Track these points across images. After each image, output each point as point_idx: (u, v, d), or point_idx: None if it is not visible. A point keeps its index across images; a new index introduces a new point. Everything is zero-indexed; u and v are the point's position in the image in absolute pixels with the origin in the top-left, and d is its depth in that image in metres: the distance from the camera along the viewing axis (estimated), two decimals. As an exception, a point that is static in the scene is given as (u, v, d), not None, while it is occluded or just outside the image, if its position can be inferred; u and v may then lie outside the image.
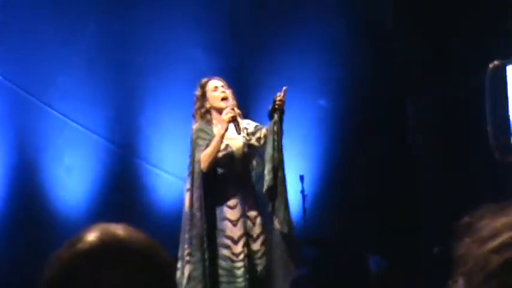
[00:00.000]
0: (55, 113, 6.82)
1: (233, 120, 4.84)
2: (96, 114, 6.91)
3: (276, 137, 4.83)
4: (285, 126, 4.91)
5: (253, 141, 4.96)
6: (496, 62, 5.18)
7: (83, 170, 6.81)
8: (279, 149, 4.84)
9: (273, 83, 7.12)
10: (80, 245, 1.15)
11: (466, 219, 1.18)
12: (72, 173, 6.77)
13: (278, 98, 4.82)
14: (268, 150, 4.85)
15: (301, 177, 6.31)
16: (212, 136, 4.88)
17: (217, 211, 4.87)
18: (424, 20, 6.89)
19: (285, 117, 4.91)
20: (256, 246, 4.88)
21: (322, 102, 6.77)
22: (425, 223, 7.06)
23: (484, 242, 1.12)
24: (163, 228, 6.49)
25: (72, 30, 6.84)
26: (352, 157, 7.23)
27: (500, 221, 1.15)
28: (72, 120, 6.85)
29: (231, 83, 5.10)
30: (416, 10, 6.95)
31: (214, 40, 7.13)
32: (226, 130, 4.82)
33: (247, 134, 4.98)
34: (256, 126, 5.01)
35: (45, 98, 6.81)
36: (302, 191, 6.36)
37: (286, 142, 4.91)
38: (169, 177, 6.96)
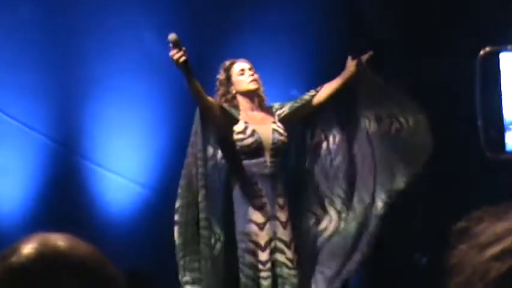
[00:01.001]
0: (-14, 106, 6.77)
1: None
2: (34, 108, 6.86)
3: None
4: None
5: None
6: (487, 49, 5.18)
7: (18, 171, 6.76)
8: None
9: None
10: (14, 259, 1.14)
11: (462, 223, 1.18)
12: (5, 175, 6.72)
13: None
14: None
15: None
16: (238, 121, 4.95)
17: (242, 212, 4.82)
18: (412, 4, 6.93)
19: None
20: (290, 254, 4.84)
21: (294, 92, 6.79)
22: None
23: (484, 248, 1.11)
24: (111, 237, 6.50)
25: (7, 15, 6.78)
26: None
27: (501, 226, 1.15)
28: (6, 114, 6.79)
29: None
30: None
31: (169, 24, 7.09)
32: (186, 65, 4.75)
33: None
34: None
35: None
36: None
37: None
38: (118, 178, 6.93)
